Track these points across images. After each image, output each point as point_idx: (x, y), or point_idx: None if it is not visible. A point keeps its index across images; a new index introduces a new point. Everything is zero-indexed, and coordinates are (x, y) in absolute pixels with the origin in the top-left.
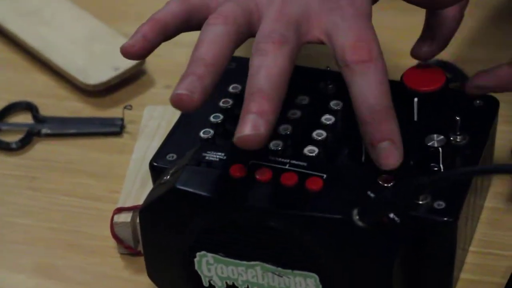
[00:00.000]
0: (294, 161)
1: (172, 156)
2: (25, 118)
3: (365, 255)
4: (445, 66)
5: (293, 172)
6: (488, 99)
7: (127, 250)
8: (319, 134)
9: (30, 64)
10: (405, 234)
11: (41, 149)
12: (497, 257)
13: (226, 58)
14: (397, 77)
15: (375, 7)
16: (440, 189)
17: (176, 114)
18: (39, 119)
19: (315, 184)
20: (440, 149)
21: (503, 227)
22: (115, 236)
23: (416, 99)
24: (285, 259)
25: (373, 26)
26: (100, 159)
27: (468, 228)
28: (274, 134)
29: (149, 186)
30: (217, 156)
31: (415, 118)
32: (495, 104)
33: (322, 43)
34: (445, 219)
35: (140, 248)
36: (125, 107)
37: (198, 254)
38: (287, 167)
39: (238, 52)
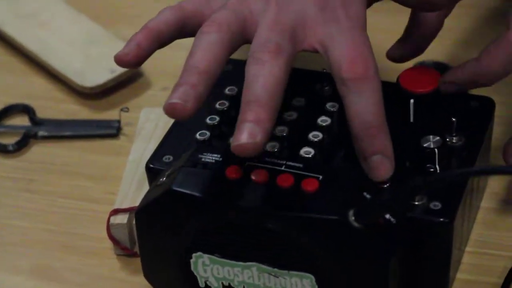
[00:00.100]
0: (290, 163)
1: (169, 158)
2: (22, 121)
3: (361, 256)
4: (440, 67)
5: (289, 173)
6: (484, 100)
7: (124, 251)
8: (315, 135)
9: (27, 66)
10: (401, 235)
11: (38, 151)
12: (493, 257)
13: (219, 66)
14: (393, 78)
15: (369, 9)
16: (436, 190)
17: None
18: (36, 122)
19: (311, 185)
20: (436, 150)
21: (499, 228)
22: (111, 237)
23: (412, 101)
24: (281, 260)
25: (368, 38)
26: (97, 161)
27: (464, 229)
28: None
29: (146, 187)
30: (213, 158)
31: (411, 119)
32: (491, 105)
33: (317, 51)
34: (441, 220)
35: (137, 249)
36: (121, 109)
37: (194, 255)
38: (283, 168)
39: (234, 55)
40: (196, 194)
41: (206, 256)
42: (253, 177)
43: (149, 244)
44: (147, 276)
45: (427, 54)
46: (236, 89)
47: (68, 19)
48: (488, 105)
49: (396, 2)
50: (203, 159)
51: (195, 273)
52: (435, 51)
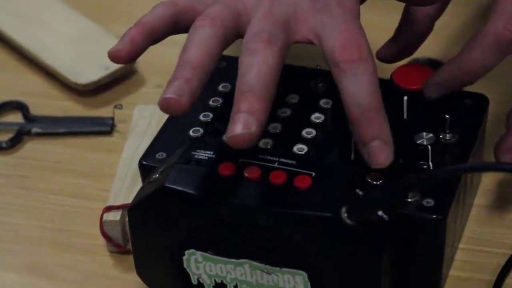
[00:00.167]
0: (283, 159)
1: (162, 155)
2: (15, 117)
3: (354, 253)
4: (434, 64)
5: (282, 170)
6: (478, 97)
7: (117, 248)
8: (308, 132)
9: (21, 63)
10: (394, 232)
11: (32, 148)
12: (486, 254)
13: (213, 60)
14: (386, 75)
15: (364, 6)
16: (429, 187)
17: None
18: (29, 118)
19: (303, 182)
20: (429, 147)
21: (493, 225)
22: (104, 234)
23: (405, 98)
24: (274, 257)
25: (361, 25)
26: (90, 158)
27: (458, 226)
28: (264, 132)
29: (139, 184)
30: (206, 155)
31: (405, 116)
32: (484, 102)
33: (311, 42)
34: (434, 216)
35: (130, 246)
36: (115, 107)
37: (186, 252)
38: (276, 165)
39: (228, 51)
40: (189, 191)
41: (198, 253)
42: (246, 174)
43: (142, 241)
44: (140, 273)
45: (420, 51)
46: (229, 86)
47: (62, 16)
48: (481, 102)
49: None
50: (196, 156)
51: (188, 270)
52: (428, 48)
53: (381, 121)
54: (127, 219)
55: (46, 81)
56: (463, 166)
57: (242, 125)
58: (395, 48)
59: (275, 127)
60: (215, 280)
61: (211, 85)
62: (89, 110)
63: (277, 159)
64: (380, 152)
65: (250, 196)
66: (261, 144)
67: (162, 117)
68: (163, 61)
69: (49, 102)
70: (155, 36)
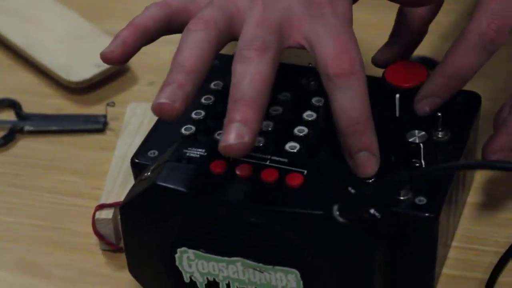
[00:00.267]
0: (275, 157)
1: (154, 153)
2: (8, 115)
3: (346, 251)
4: (427, 62)
5: (274, 168)
6: (470, 95)
7: (109, 246)
8: (300, 130)
9: (13, 61)
10: (386, 230)
11: (24, 146)
12: (479, 252)
13: (207, 64)
14: (378, 73)
15: (359, 4)
16: (421, 185)
17: None
18: (22, 116)
19: (295, 180)
20: (421, 145)
21: (486, 223)
22: (97, 232)
23: (397, 95)
24: (266, 255)
25: (354, 34)
26: (83, 156)
27: (451, 224)
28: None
29: (131, 182)
30: (198, 153)
31: (397, 114)
32: (477, 100)
33: (303, 48)
34: (427, 215)
35: (122, 244)
36: (108, 104)
37: (179, 250)
38: (267, 163)
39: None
40: (181, 189)
41: (191, 251)
42: (237, 172)
43: (134, 239)
44: (132, 271)
45: None
46: (222, 84)
47: (55, 13)
48: (474, 100)
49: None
50: (188, 154)
51: (180, 268)
52: (421, 46)
53: (369, 133)
54: (119, 217)
55: (39, 79)
56: (456, 164)
57: (235, 135)
58: (390, 53)
59: (267, 125)
60: (207, 278)
61: (204, 83)
62: (82, 108)
63: (269, 157)
64: (367, 163)
65: (241, 194)
66: None
67: (154, 115)
68: (156, 59)
69: (42, 100)
70: (148, 37)
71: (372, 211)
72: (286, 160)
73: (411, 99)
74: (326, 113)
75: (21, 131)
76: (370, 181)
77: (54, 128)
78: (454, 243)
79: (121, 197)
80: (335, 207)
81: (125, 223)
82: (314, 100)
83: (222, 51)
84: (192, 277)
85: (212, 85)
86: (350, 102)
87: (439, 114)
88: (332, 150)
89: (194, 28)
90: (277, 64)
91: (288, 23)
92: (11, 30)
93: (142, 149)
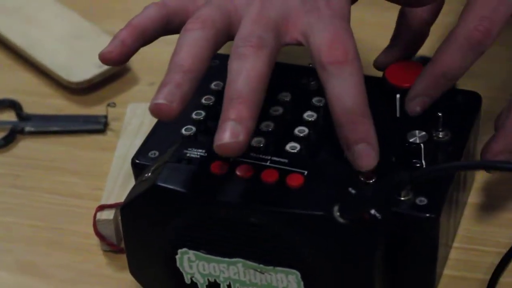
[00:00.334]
0: (275, 158)
1: (154, 153)
2: (8, 116)
3: (347, 252)
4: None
5: (274, 169)
6: (471, 95)
7: (110, 247)
8: (301, 130)
9: (13, 61)
10: (387, 231)
11: (25, 146)
12: (480, 253)
13: (205, 64)
14: (379, 73)
15: (359, 4)
16: (422, 185)
17: None
18: (22, 117)
19: (295, 180)
20: (422, 145)
21: (487, 223)
22: (97, 233)
23: (398, 95)
24: (266, 255)
25: (350, 27)
26: (83, 156)
27: (451, 224)
28: (256, 131)
29: (132, 183)
30: (199, 153)
31: (397, 114)
32: (477, 100)
33: (300, 44)
34: (427, 215)
35: (123, 245)
36: (108, 105)
37: (179, 251)
38: (268, 163)
39: (221, 49)
40: (181, 189)
41: (191, 252)
42: (238, 173)
43: (135, 240)
44: (133, 272)
45: None
46: (222, 84)
47: (54, 13)
48: (474, 100)
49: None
50: (188, 155)
51: (181, 269)
52: (422, 47)
53: (366, 124)
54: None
55: (39, 79)
56: (456, 164)
57: (230, 133)
58: (392, 56)
59: (268, 126)
60: (208, 279)
61: (204, 83)
62: (82, 108)
63: (269, 157)
64: (365, 155)
65: (242, 194)
66: (254, 142)
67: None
68: (156, 59)
69: (42, 101)
70: (146, 37)
71: (372, 211)
72: (286, 161)
73: None
74: (327, 113)
75: (21, 132)
76: (371, 181)
77: (54, 128)
78: (455, 244)
79: (121, 198)
80: (336, 208)
81: (126, 224)
82: (314, 100)
83: (223, 52)
84: (193, 278)
85: (212, 85)
86: (345, 91)
87: (440, 114)
88: (332, 150)
89: (191, 27)
90: (274, 62)
91: (285, 20)
92: (11, 30)
93: (142, 149)
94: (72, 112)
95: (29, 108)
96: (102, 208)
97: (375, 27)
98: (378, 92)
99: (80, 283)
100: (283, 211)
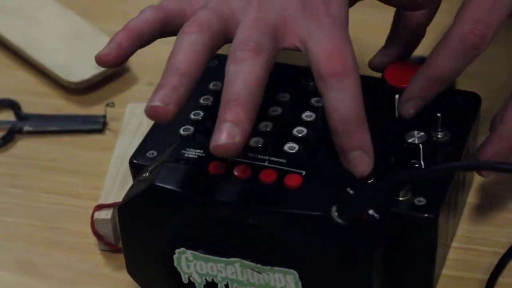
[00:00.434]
0: (273, 158)
1: (153, 153)
2: (7, 116)
3: (345, 252)
4: None
5: (272, 169)
6: (470, 95)
7: (108, 247)
8: (299, 131)
9: (12, 61)
10: (385, 231)
11: (23, 146)
12: (479, 253)
13: (201, 67)
14: (378, 73)
15: (358, 5)
16: (420, 186)
17: None
18: (21, 117)
19: (294, 180)
20: (420, 145)
21: (486, 223)
22: (95, 233)
23: (397, 96)
24: (264, 256)
25: (349, 35)
26: (82, 156)
27: (450, 224)
28: (254, 131)
29: (130, 183)
30: (196, 153)
31: (396, 115)
32: (477, 100)
33: (298, 50)
34: (426, 215)
35: (121, 245)
36: (107, 105)
37: (177, 251)
38: (266, 164)
39: (220, 50)
40: (179, 190)
41: (189, 252)
42: (236, 173)
43: (132, 240)
44: (131, 272)
45: None
46: (220, 85)
47: (54, 13)
48: (474, 100)
49: (380, 1)
50: (186, 155)
51: (179, 269)
52: (420, 46)
53: (361, 133)
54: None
55: (38, 79)
56: (455, 165)
57: (226, 134)
58: (388, 57)
59: (266, 126)
60: (206, 279)
61: (202, 83)
62: (81, 108)
63: (267, 157)
64: (360, 162)
65: (240, 195)
66: (252, 143)
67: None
68: (155, 59)
69: (41, 100)
70: (143, 40)
71: (371, 212)
72: (284, 161)
73: None
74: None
75: (20, 132)
76: (369, 181)
77: (53, 128)
78: (453, 244)
79: (120, 198)
80: (334, 208)
81: (123, 223)
82: (313, 100)
83: (222, 53)
84: (191, 278)
85: (211, 86)
86: (342, 102)
87: (439, 114)
88: (331, 151)
89: (188, 30)
90: (271, 66)
91: (283, 25)
92: (10, 30)
93: (140, 149)
94: (71, 112)
95: (28, 107)
96: (100, 207)
97: (374, 29)
98: (377, 92)
99: (78, 283)
100: (281, 211)
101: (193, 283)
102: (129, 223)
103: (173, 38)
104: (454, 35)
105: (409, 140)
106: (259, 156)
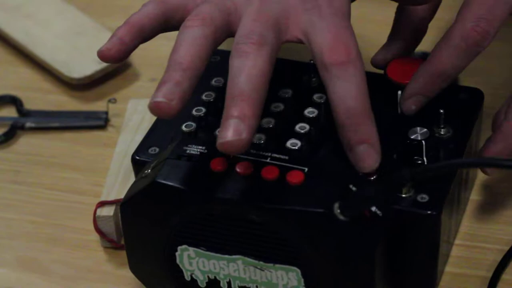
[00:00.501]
0: (275, 155)
1: (155, 150)
2: (9, 112)
3: (347, 249)
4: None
5: (274, 165)
6: (473, 91)
7: (110, 243)
8: (302, 127)
9: (14, 57)
10: (388, 228)
11: (25, 142)
12: (482, 250)
13: (204, 62)
14: (380, 70)
15: (359, 0)
16: (423, 182)
17: None
18: (23, 113)
19: (296, 177)
20: (423, 142)
21: (489, 220)
22: (98, 229)
23: (399, 92)
24: (267, 253)
25: (351, 25)
26: (84, 152)
27: (453, 221)
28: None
29: (132, 179)
30: (198, 150)
31: (399, 111)
32: (480, 96)
33: (301, 42)
34: (429, 212)
35: (123, 241)
36: (109, 101)
37: (179, 248)
38: (268, 160)
39: (222, 45)
40: (180, 186)
41: (191, 249)
42: (238, 170)
43: (135, 236)
44: (133, 269)
45: None
46: (222, 80)
47: (55, 9)
48: (476, 96)
49: None
50: (188, 151)
51: (181, 266)
52: (423, 42)
53: (368, 125)
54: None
55: (40, 75)
56: (458, 162)
57: (233, 131)
58: (390, 54)
59: (268, 122)
60: (208, 276)
61: (204, 79)
62: (83, 104)
63: (269, 154)
64: (367, 156)
65: (242, 191)
66: (254, 139)
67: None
68: (157, 55)
69: (43, 97)
70: (145, 35)
71: (373, 208)
72: (287, 157)
73: None
74: (328, 110)
75: (22, 128)
76: (372, 178)
77: (55, 124)
78: (457, 241)
79: (122, 194)
80: (336, 205)
81: (126, 220)
82: (315, 96)
83: (224, 48)
84: (193, 275)
85: (213, 82)
86: (347, 92)
87: (442, 111)
88: (333, 147)
89: (190, 25)
90: (274, 59)
91: (285, 18)
92: (12, 27)
93: (142, 146)
94: (73, 108)
95: (29, 104)
96: (102, 204)
97: (377, 24)
98: (380, 89)
99: (80, 280)
100: (283, 208)
101: (195, 281)
102: (131, 220)
103: (175, 34)
104: (456, 32)
105: (412, 137)
106: (261, 153)
